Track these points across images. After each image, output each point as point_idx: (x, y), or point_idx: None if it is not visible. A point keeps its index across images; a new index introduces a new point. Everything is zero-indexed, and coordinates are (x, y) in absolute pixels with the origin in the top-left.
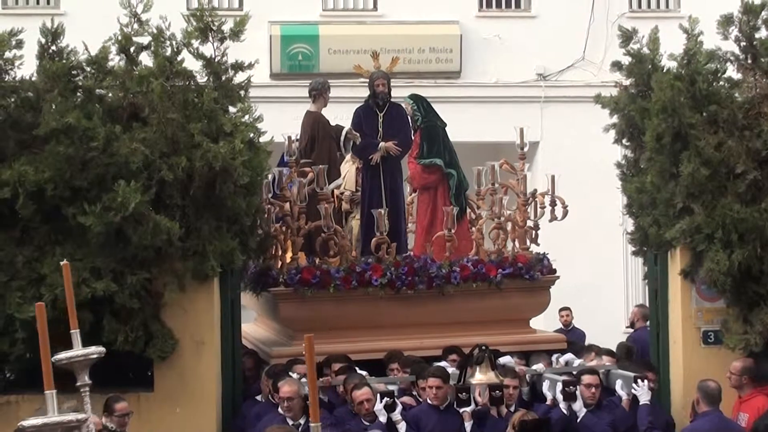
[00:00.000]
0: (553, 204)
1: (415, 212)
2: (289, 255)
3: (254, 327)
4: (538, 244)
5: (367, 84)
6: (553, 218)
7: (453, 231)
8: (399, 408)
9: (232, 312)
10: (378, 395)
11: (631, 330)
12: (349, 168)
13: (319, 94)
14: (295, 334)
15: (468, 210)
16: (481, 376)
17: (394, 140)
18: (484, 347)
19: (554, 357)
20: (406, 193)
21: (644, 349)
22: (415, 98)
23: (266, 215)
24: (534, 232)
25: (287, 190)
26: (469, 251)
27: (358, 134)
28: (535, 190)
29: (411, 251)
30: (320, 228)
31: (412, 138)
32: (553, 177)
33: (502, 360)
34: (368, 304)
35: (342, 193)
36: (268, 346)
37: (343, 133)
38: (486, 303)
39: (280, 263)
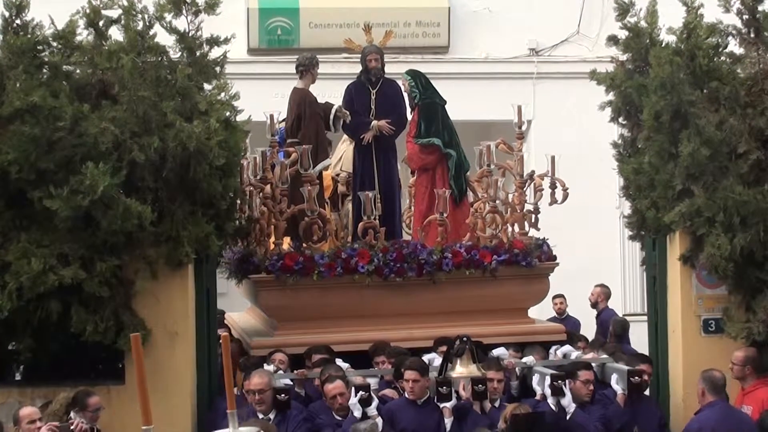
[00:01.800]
0: (553, 186)
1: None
2: (271, 240)
3: (245, 316)
4: (538, 229)
5: (351, 60)
6: (553, 201)
7: (446, 215)
8: (375, 403)
9: (207, 301)
10: (353, 389)
11: (594, 311)
12: (346, 148)
13: (307, 69)
14: (278, 324)
15: (471, 193)
16: (461, 369)
17: (388, 119)
18: (465, 338)
19: (552, 349)
20: (407, 174)
21: (606, 332)
22: (413, 74)
23: (249, 198)
24: (534, 216)
25: (269, 171)
26: (472, 237)
27: (348, 113)
28: (533, 172)
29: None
30: (304, 212)
31: (407, 116)
32: (553, 158)
33: (496, 352)
34: (354, 292)
35: (338, 175)
36: (251, 335)
37: (333, 111)
38: (480, 291)
39: (264, 249)
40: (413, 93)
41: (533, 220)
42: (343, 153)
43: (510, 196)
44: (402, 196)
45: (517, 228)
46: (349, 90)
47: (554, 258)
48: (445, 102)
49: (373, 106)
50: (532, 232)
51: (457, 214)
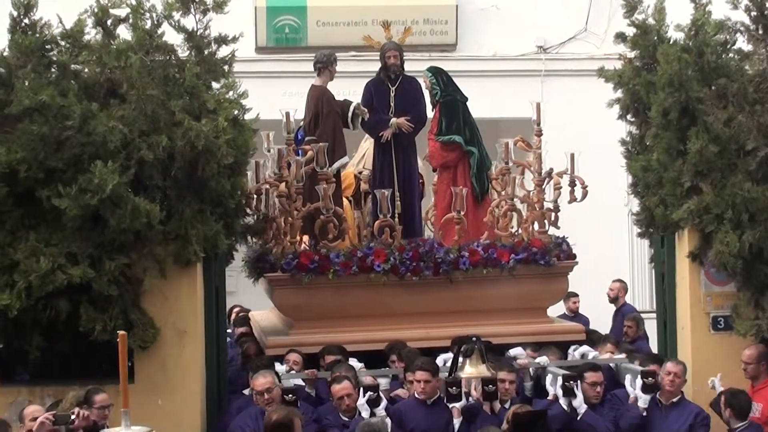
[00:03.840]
0: (572, 184)
1: None
2: (288, 239)
3: (268, 315)
4: (558, 227)
5: (360, 57)
6: (573, 199)
7: (463, 213)
8: (384, 403)
9: (216, 299)
10: (361, 389)
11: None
12: (368, 146)
13: (325, 66)
14: (294, 323)
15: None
16: (471, 370)
17: (407, 116)
18: (474, 338)
19: (571, 349)
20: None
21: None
22: (434, 71)
23: (266, 196)
24: (554, 214)
25: (285, 169)
26: (491, 236)
27: (366, 110)
28: (551, 169)
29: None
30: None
31: (427, 113)
32: (572, 155)
33: (513, 351)
34: (370, 291)
35: (360, 173)
36: (268, 334)
37: (351, 108)
38: (498, 290)
39: (281, 248)
40: (434, 90)
41: (552, 218)
42: (365, 151)
43: (525, 193)
44: (427, 194)
45: (536, 226)
46: (369, 87)
47: (573, 257)
48: (466, 99)
49: (392, 103)
50: (552, 231)
51: (479, 212)
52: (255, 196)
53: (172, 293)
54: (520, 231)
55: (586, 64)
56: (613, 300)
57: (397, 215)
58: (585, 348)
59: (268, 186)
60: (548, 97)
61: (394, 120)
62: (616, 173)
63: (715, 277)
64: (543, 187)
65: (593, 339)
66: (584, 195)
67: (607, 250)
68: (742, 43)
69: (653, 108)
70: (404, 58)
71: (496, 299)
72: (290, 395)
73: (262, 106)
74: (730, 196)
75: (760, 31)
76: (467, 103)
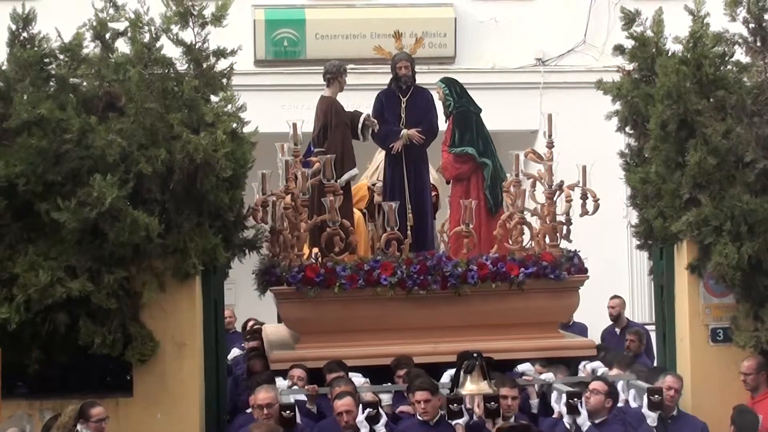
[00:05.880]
0: (584, 197)
1: None
2: (294, 251)
3: (278, 328)
4: (570, 241)
5: (358, 71)
6: (584, 213)
7: (471, 226)
8: (383, 420)
9: (215, 312)
10: (360, 406)
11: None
12: (383, 158)
13: (334, 77)
14: (300, 337)
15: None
16: (472, 386)
17: (418, 127)
18: (475, 354)
19: (582, 364)
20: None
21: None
22: (447, 82)
23: (272, 208)
24: (566, 227)
25: (291, 181)
26: (501, 249)
27: (375, 121)
28: (562, 182)
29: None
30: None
31: (438, 125)
32: (584, 167)
33: (521, 368)
34: (377, 305)
35: (374, 185)
36: (274, 348)
37: (361, 119)
38: (507, 305)
39: (288, 260)
40: (447, 101)
41: (564, 232)
42: (380, 163)
43: (535, 206)
44: (443, 206)
45: (545, 239)
46: (380, 98)
47: (585, 271)
48: (480, 110)
49: (403, 114)
50: (564, 244)
51: (493, 225)
52: (261, 208)
53: (171, 306)
54: (532, 244)
55: (584, 76)
56: (616, 317)
57: (409, 228)
58: (596, 363)
59: (274, 198)
60: (547, 110)
61: (404, 131)
62: (615, 185)
63: (714, 289)
64: (554, 199)
65: (606, 355)
66: (596, 208)
67: (606, 261)
68: (741, 55)
69: (652, 120)
70: (416, 69)
71: (505, 314)
72: (288, 411)
73: (261, 119)
74: (728, 207)
75: (758, 43)
76: (481, 115)
